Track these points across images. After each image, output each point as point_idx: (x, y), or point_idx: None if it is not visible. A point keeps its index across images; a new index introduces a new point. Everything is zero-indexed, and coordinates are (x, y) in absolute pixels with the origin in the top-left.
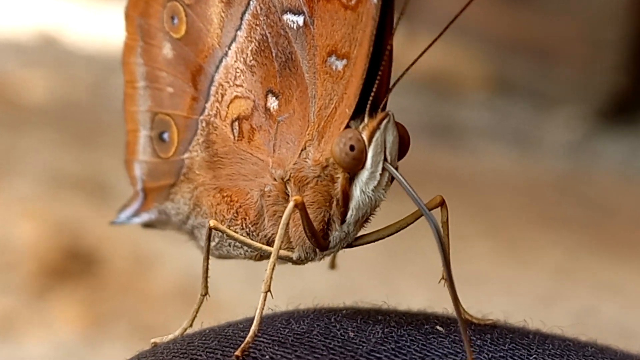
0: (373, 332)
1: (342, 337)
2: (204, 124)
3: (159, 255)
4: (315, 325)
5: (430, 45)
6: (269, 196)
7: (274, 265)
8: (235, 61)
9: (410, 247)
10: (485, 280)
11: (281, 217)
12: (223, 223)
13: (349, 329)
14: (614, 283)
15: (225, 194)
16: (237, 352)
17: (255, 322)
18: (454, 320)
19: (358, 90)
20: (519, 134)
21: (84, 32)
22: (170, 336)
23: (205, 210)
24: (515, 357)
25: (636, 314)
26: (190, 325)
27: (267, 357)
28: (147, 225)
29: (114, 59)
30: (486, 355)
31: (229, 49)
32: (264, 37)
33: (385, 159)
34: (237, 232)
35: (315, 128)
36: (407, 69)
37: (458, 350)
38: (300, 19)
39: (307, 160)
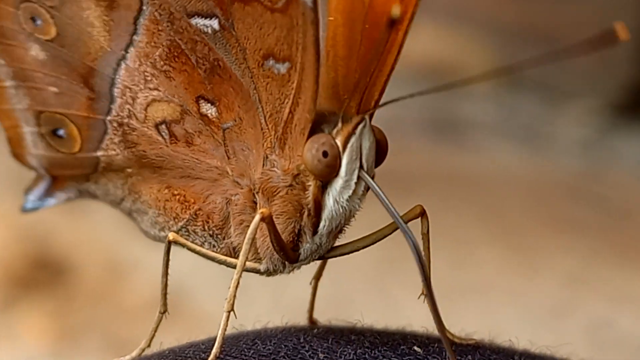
0: (344, 353)
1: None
2: (114, 124)
3: (135, 263)
4: (283, 346)
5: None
6: (236, 205)
7: (238, 282)
8: (139, 65)
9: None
10: (490, 289)
11: (248, 227)
12: (177, 220)
13: (319, 350)
14: (631, 293)
15: (176, 192)
16: None
17: (217, 344)
18: (434, 340)
19: (315, 94)
20: (528, 130)
21: None
22: (127, 357)
23: (147, 200)
24: None
25: None
26: (149, 346)
27: None
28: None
29: None
30: None
31: (127, 52)
32: (174, 43)
33: (361, 167)
34: (197, 232)
35: (273, 135)
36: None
37: None
38: (214, 23)
39: (275, 169)
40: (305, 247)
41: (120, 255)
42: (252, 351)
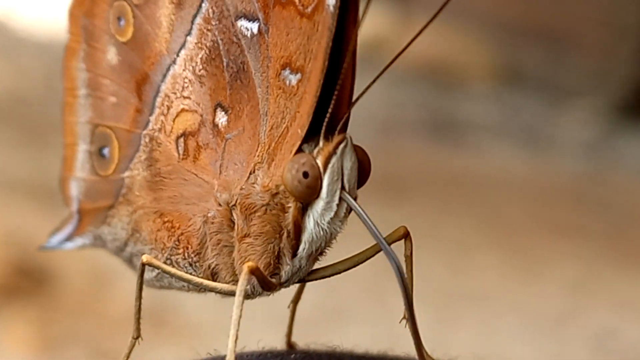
0: None
1: None
2: (147, 139)
3: (119, 272)
4: None
5: (416, 36)
6: (213, 223)
7: (236, 337)
8: (183, 70)
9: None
10: (491, 296)
11: (225, 246)
12: (164, 252)
13: None
14: (637, 301)
15: (166, 219)
16: None
17: None
18: None
19: (311, 109)
20: (530, 131)
21: (36, 16)
22: None
23: (145, 236)
24: None
25: None
26: None
27: None
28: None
29: None
30: None
31: (178, 56)
32: (215, 44)
33: (342, 188)
34: (179, 262)
35: (266, 149)
36: (386, 68)
37: None
38: (254, 26)
39: (255, 185)
40: (285, 269)
41: (105, 263)
42: None
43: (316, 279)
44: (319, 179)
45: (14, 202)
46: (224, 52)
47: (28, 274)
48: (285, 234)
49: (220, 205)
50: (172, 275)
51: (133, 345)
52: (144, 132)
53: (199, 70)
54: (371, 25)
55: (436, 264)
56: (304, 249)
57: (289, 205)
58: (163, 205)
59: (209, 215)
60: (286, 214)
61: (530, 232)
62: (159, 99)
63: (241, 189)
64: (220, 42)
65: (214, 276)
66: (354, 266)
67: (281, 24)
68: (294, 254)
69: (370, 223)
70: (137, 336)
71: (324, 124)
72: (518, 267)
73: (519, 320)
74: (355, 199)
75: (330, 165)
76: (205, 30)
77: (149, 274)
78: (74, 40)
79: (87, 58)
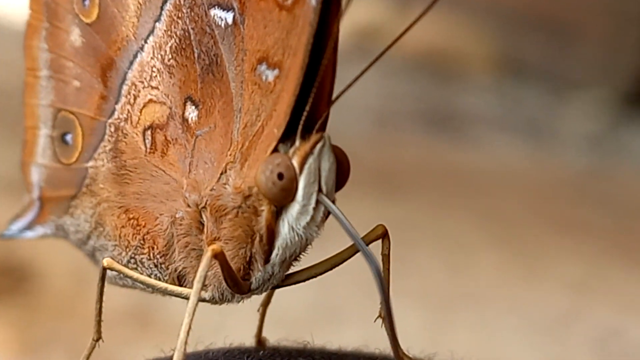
0: None
1: None
2: (112, 129)
3: None
4: None
5: (410, 27)
6: (181, 224)
7: (190, 326)
8: (151, 58)
9: (402, 258)
10: (490, 295)
11: (194, 249)
12: (128, 250)
13: None
14: None
15: (131, 216)
16: None
17: None
18: None
19: (289, 108)
20: (531, 123)
21: (17, 4)
22: None
23: (109, 232)
24: None
25: None
26: None
27: None
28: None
29: None
30: None
31: (146, 42)
32: (186, 33)
33: (320, 190)
34: (144, 262)
35: (239, 149)
36: (375, 60)
37: None
38: (229, 16)
39: (226, 186)
40: (257, 275)
41: (87, 263)
42: None
43: (290, 284)
44: (295, 181)
45: None
46: (195, 42)
47: (8, 274)
48: (257, 239)
49: (189, 206)
50: (134, 280)
51: (93, 347)
52: (109, 120)
53: (168, 60)
54: (367, 13)
55: (433, 262)
56: (277, 255)
57: (262, 208)
58: (128, 200)
59: (177, 216)
60: (259, 218)
61: (531, 228)
62: (125, 87)
63: (211, 189)
64: (191, 31)
65: (180, 280)
66: (331, 269)
67: (258, 15)
68: (267, 260)
69: (348, 224)
70: (98, 338)
71: (301, 122)
72: (518, 265)
73: (519, 320)
74: (333, 202)
75: (306, 166)
76: (175, 18)
77: (112, 272)
78: (36, 17)
79: (49, 38)
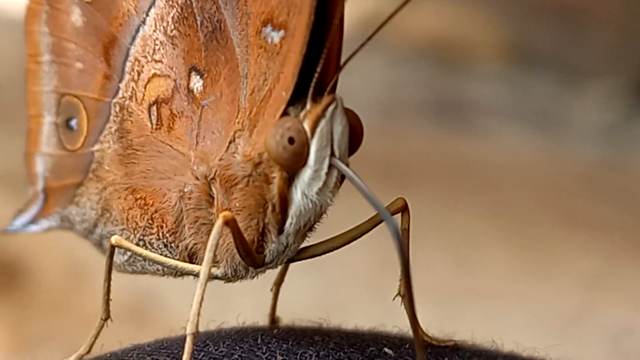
0: (305, 355)
1: None
2: (117, 109)
3: (97, 266)
4: (237, 348)
5: (404, 4)
6: (190, 198)
7: (202, 297)
8: (154, 31)
9: None
10: (500, 293)
11: (204, 224)
12: (136, 232)
13: (277, 352)
14: None
15: (138, 196)
16: None
17: None
18: (407, 341)
19: (297, 69)
20: (542, 114)
21: None
22: None
23: (116, 216)
24: None
25: None
26: (88, 352)
27: None
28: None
29: None
30: None
31: (147, 15)
32: (188, 1)
33: (332, 154)
34: (152, 243)
35: (247, 115)
36: (373, 34)
37: None
38: None
39: (235, 155)
40: (271, 247)
41: (82, 258)
42: (202, 353)
43: (307, 258)
44: (306, 145)
45: None
46: (197, 9)
47: (0, 270)
48: (270, 208)
49: (197, 178)
50: (144, 257)
51: (102, 327)
52: (114, 100)
53: (171, 31)
54: (372, 0)
55: (441, 257)
56: (291, 224)
57: (274, 175)
58: (135, 180)
59: (186, 190)
60: (270, 186)
61: (542, 223)
62: (128, 64)
63: (220, 159)
64: None
65: (191, 257)
66: (350, 242)
67: None
68: (280, 230)
69: (366, 190)
70: (106, 317)
71: (312, 84)
72: (529, 261)
73: (530, 318)
74: (347, 166)
75: (318, 130)
76: None
77: (120, 258)
78: (36, 1)
79: (49, 21)
